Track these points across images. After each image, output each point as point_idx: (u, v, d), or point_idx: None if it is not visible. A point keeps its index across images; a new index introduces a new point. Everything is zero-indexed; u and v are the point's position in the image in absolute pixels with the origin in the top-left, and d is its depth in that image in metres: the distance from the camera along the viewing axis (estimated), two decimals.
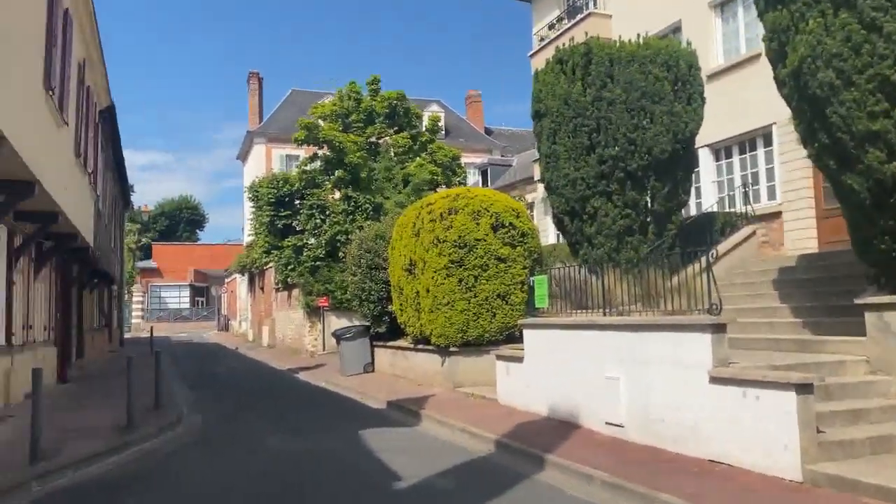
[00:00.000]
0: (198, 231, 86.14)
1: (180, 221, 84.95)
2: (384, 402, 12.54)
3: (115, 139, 21.90)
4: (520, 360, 10.48)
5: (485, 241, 12.69)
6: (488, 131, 48.09)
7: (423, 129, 28.28)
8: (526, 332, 10.36)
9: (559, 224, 12.03)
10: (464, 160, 29.39)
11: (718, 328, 7.24)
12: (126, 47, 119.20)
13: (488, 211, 12.87)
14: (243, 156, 47.70)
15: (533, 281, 10.66)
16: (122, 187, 29.69)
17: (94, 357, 25.17)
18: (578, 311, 9.70)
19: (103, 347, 27.99)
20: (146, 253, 64.90)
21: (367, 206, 24.25)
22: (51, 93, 9.80)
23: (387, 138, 27.30)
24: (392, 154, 26.91)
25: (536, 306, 10.49)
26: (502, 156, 41.16)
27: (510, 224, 12.88)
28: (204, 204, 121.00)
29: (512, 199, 13.91)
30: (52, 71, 9.68)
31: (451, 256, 12.73)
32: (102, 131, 19.38)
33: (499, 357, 11.18)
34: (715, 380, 7.07)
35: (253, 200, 26.90)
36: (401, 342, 15.73)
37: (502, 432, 8.87)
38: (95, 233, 18.40)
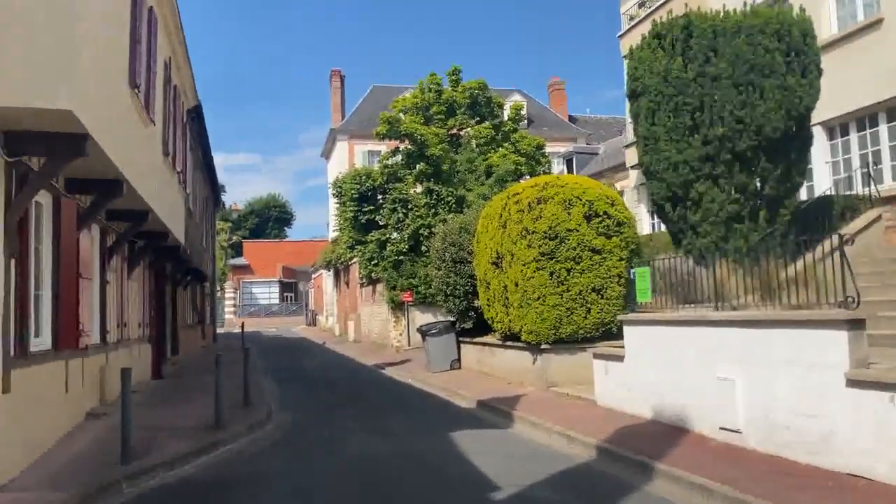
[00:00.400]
0: (286, 228, 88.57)
1: (269, 219, 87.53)
2: (473, 401, 12.06)
3: (203, 139, 22.31)
4: (620, 358, 9.77)
5: (577, 231, 11.98)
6: (572, 119, 46.82)
7: (506, 118, 27.64)
8: (627, 329, 9.63)
9: (659, 211, 11.19)
10: (548, 149, 28.52)
11: (856, 324, 6.37)
12: (209, 49, 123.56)
13: (580, 199, 12.14)
14: (327, 153, 48.27)
15: (634, 273, 9.90)
16: (213, 187, 30.41)
17: (188, 353, 25.86)
18: (685, 305, 8.90)
19: (197, 343, 28.77)
20: (237, 251, 66.94)
21: (450, 198, 23.83)
22: (136, 91, 9.78)
23: (468, 129, 26.81)
24: (474, 145, 26.41)
25: (638, 301, 9.74)
26: (587, 144, 39.96)
27: (605, 213, 12.12)
28: (291, 202, 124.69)
29: (606, 187, 13.12)
30: (136, 69, 9.65)
31: (540, 248, 12.09)
32: (190, 131, 19.71)
33: (596, 355, 10.49)
34: (853, 383, 6.21)
35: (336, 196, 26.97)
36: (488, 338, 15.21)
37: (603, 436, 8.22)
38: (186, 231, 18.72)
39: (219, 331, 42.69)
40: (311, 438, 9.50)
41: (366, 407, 12.18)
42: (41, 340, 8.51)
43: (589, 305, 11.97)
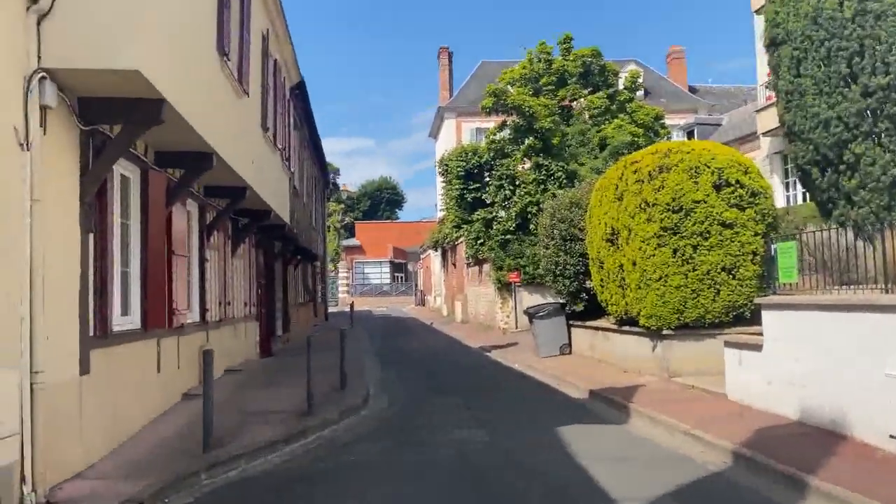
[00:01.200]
0: (397, 210, 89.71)
1: (381, 201, 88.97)
2: (585, 390, 11.00)
3: (308, 118, 22.14)
4: (757, 347, 8.40)
5: (705, 202, 10.55)
6: (692, 90, 43.93)
7: (621, 87, 25.94)
8: (766, 314, 8.24)
9: (804, 178, 9.64)
10: (666, 121, 26.55)
11: None
12: (319, 32, 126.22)
13: (709, 167, 10.68)
14: (434, 132, 47.85)
15: (775, 249, 8.47)
16: (322, 167, 30.52)
17: (300, 331, 26.12)
18: (843, 287, 7.44)
19: (308, 321, 29.10)
20: (350, 231, 68.17)
21: (560, 173, 22.55)
22: (225, 59, 9.31)
23: (580, 100, 25.36)
24: (587, 117, 24.94)
25: (780, 281, 8.32)
26: (709, 115, 37.24)
27: (737, 182, 10.60)
28: (403, 184, 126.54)
29: (738, 153, 11.53)
30: (225, 36, 9.17)
31: (662, 223, 10.77)
32: (294, 109, 19.51)
33: (728, 343, 9.14)
34: None
35: (442, 174, 26.31)
36: (601, 322, 14.01)
37: (740, 440, 6.99)
38: (292, 210, 18.57)
39: (332, 309, 43.47)
40: (405, 428, 8.78)
41: (468, 393, 11.38)
42: (129, 319, 8.23)
43: (718, 287, 10.56)
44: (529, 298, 21.49)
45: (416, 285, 57.20)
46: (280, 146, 14.85)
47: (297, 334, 24.91)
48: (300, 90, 18.92)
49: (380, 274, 66.09)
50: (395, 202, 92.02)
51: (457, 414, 9.55)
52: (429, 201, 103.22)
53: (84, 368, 6.57)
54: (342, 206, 62.26)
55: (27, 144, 5.60)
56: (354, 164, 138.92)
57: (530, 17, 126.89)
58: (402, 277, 66.03)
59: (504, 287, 22.89)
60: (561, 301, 15.82)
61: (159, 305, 8.81)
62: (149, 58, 6.10)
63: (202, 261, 11.56)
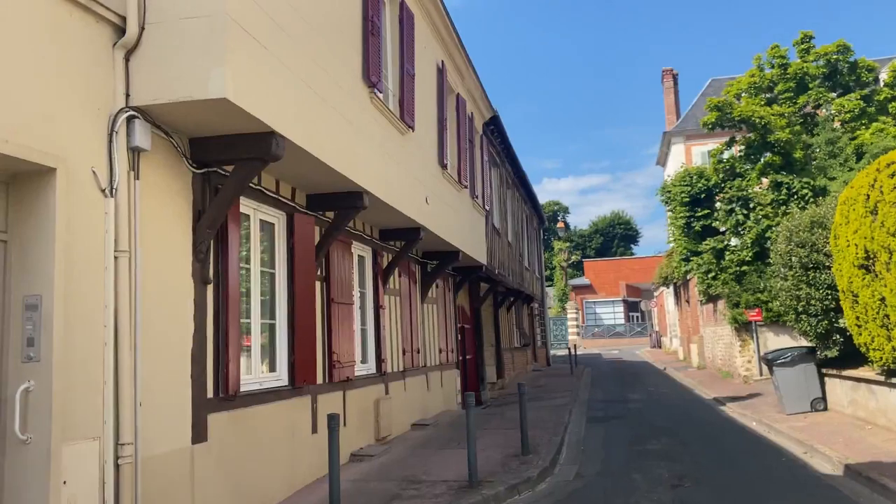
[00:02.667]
0: (632, 246, 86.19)
1: (614, 237, 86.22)
2: (840, 464, 8.37)
3: (509, 154, 21.22)
4: None
5: None
6: None
7: (881, 85, 21.69)
8: None
9: None
10: None
11: None
12: (544, 75, 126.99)
13: None
14: (662, 160, 44.80)
15: None
16: (533, 205, 29.49)
17: (516, 377, 24.98)
18: None
19: (527, 366, 27.88)
20: (579, 270, 66.23)
21: (805, 190, 19.09)
22: (374, 90, 8.57)
23: (827, 105, 21.58)
24: (836, 123, 21.10)
25: None
26: None
27: None
28: (639, 219, 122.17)
29: None
30: (372, 65, 8.45)
31: None
32: (491, 145, 18.71)
33: None
34: None
35: (665, 203, 23.84)
36: (863, 371, 10.96)
37: None
38: (491, 249, 17.66)
39: (560, 352, 41.74)
40: None
41: (685, 461, 9.26)
42: (275, 376, 7.61)
43: None
44: (775, 340, 18.21)
45: (652, 325, 53.50)
46: (465, 183, 13.98)
47: (513, 381, 23.80)
48: (495, 126, 18.09)
49: (612, 314, 63.03)
50: (630, 238, 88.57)
51: (662, 495, 7.59)
52: (664, 234, 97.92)
53: (199, 436, 5.91)
54: (567, 244, 60.63)
55: (111, 191, 5.09)
56: (591, 201, 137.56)
57: (759, 28, 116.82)
58: (636, 317, 62.36)
59: (742, 327, 19.72)
60: (808, 345, 12.84)
61: (311, 359, 8.13)
62: (243, 84, 5.38)
63: (377, 308, 10.89)
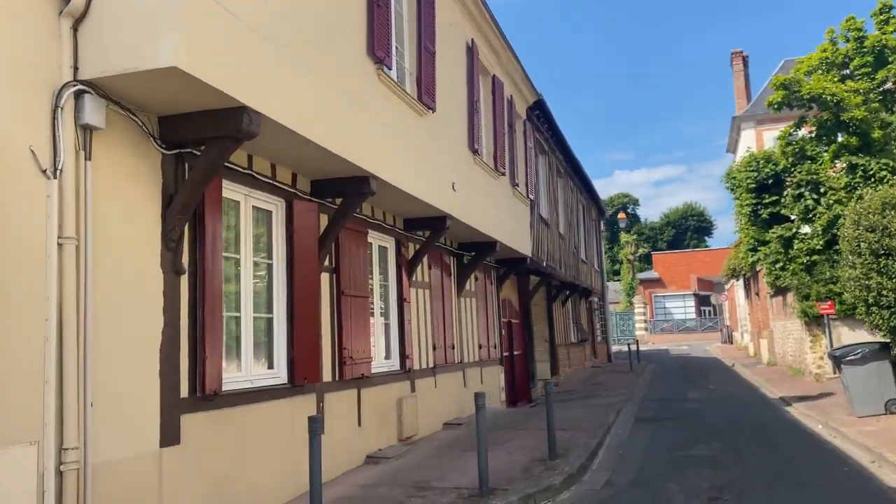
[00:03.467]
0: (705, 238, 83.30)
1: (686, 230, 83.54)
2: None
3: (559, 142, 20.29)
4: None
5: None
6: None
7: None
8: None
9: None
10: None
11: None
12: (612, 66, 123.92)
13: None
14: (732, 146, 42.67)
15: None
16: (590, 195, 28.37)
17: (572, 373, 24.06)
18: None
19: (584, 362, 26.86)
20: (647, 262, 64.15)
21: (884, 172, 17.46)
22: (382, 67, 7.97)
23: None
24: None
25: None
26: None
27: None
28: (714, 210, 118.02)
29: None
30: (377, 39, 7.84)
31: None
32: (538, 132, 17.87)
33: None
34: None
35: (731, 190, 22.41)
36: None
37: None
38: (536, 240, 16.86)
39: (623, 349, 40.20)
40: None
41: (732, 470, 8.33)
42: (274, 373, 7.14)
43: None
44: (850, 335, 16.73)
45: (723, 320, 51.22)
46: (502, 170, 13.25)
47: (570, 377, 22.90)
48: (541, 111, 17.24)
49: (683, 308, 60.74)
50: (703, 230, 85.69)
51: None
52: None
53: (169, 439, 5.46)
54: (634, 237, 58.77)
55: (54, 172, 4.67)
56: (665, 193, 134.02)
57: (835, 4, 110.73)
58: (708, 312, 59.88)
59: (813, 321, 18.26)
60: (881, 340, 11.56)
61: (314, 355, 7.62)
62: (202, 53, 4.88)
63: (401, 301, 10.33)
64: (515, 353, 17.99)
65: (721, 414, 13.65)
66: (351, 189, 7.79)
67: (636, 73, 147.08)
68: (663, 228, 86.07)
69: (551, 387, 9.37)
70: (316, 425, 5.58)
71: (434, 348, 11.42)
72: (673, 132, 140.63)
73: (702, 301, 60.20)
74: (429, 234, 10.71)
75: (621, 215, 45.09)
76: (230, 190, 6.56)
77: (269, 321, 7.19)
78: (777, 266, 19.85)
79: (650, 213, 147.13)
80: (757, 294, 28.32)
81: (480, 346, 14.08)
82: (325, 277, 8.11)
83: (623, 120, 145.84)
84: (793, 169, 19.90)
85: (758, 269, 25.15)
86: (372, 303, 9.39)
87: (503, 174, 13.36)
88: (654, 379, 22.62)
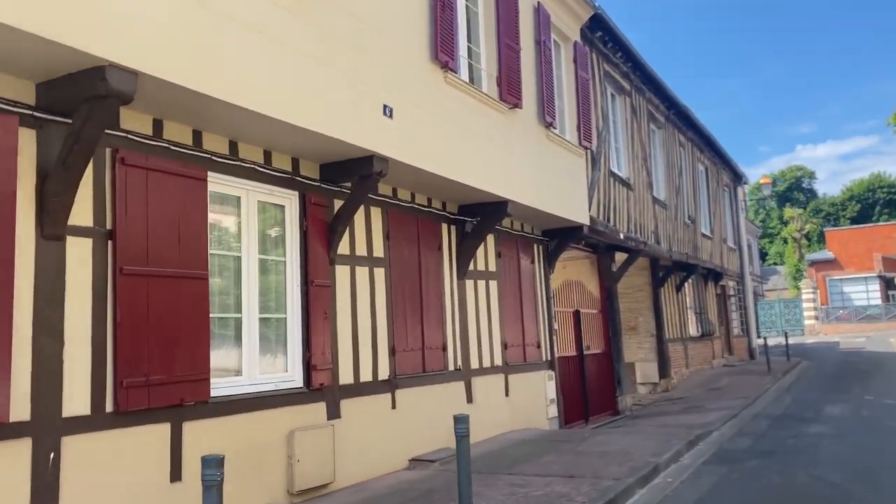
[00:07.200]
0: None
1: (874, 204, 73.20)
2: None
3: (647, 79, 15.74)
4: None
5: None
6: None
7: None
8: None
9: None
10: None
11: None
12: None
13: None
14: None
15: None
16: (717, 154, 23.19)
17: (693, 373, 19.47)
18: None
19: (712, 360, 21.93)
20: (820, 241, 55.62)
21: None
22: None
23: None
24: None
25: None
26: None
27: None
28: None
29: None
30: None
31: None
32: (607, 61, 13.68)
33: None
34: None
35: None
36: None
37: None
38: (603, 204, 12.83)
39: (792, 341, 33.53)
40: None
41: None
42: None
43: None
44: None
45: None
46: (517, 100, 9.48)
47: (685, 381, 18.41)
48: (605, 33, 13.04)
49: (865, 293, 51.72)
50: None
51: None
52: None
53: None
54: (800, 211, 50.75)
55: None
56: (855, 167, 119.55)
57: None
58: None
59: None
60: None
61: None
62: None
63: (307, 285, 7.01)
64: (589, 352, 14.07)
65: (857, 449, 9.00)
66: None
67: (815, 34, 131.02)
68: (845, 203, 75.79)
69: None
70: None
71: (392, 353, 8.01)
72: (865, 98, 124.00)
73: (889, 284, 50.78)
74: (356, 181, 7.17)
75: (764, 179, 37.85)
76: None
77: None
78: None
79: (828, 188, 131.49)
80: None
81: (507, 346, 10.45)
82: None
83: (804, 89, 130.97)
84: None
85: None
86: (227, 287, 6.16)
87: (517, 107, 9.57)
88: (794, 383, 17.54)
